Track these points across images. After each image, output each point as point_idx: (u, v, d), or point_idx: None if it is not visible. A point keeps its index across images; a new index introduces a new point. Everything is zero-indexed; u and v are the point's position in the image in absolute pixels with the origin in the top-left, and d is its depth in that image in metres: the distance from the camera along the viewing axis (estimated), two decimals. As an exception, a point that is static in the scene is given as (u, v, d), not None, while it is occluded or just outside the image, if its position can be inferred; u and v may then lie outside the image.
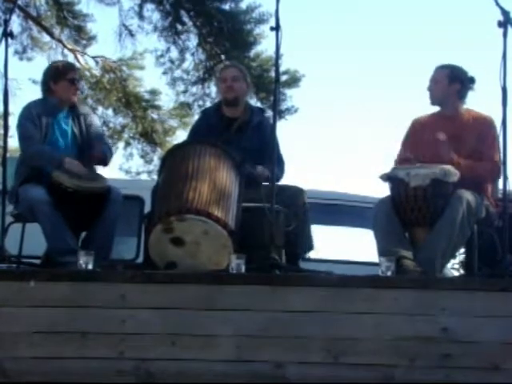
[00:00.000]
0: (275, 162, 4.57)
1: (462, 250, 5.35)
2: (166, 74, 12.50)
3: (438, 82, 5.01)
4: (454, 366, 3.86)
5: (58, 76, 5.20)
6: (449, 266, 5.84)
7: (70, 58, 12.48)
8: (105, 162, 5.30)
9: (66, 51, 12.55)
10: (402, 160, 4.97)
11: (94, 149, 5.18)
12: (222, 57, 11.93)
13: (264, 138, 5.08)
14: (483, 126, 4.93)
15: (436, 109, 5.12)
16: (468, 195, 4.59)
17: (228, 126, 5.26)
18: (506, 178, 4.46)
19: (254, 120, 5.30)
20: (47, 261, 4.91)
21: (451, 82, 4.98)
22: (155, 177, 7.08)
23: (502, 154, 4.53)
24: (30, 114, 5.10)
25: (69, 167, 4.94)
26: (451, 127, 4.91)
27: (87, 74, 12.26)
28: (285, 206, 4.74)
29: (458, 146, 4.83)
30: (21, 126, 5.05)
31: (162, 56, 12.40)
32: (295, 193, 5.03)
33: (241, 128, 5.26)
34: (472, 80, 5.05)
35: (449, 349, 3.87)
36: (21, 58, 12.60)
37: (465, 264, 6.13)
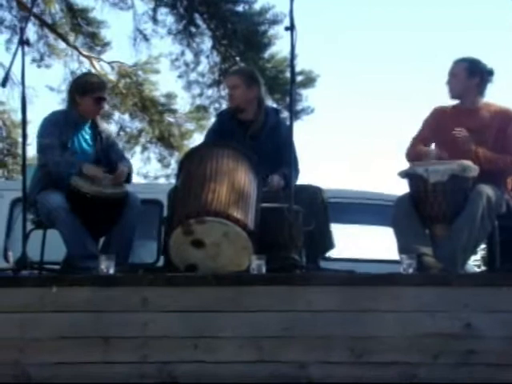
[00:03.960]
0: (292, 163, 4.57)
1: (483, 246, 5.32)
2: (181, 78, 12.53)
3: (457, 75, 4.97)
4: (477, 362, 3.83)
5: (85, 91, 5.16)
6: (470, 261, 5.80)
7: (86, 65, 12.60)
8: (128, 180, 5.26)
9: (81, 58, 12.62)
10: (420, 147, 4.95)
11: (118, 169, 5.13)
12: (237, 59, 11.94)
13: (279, 139, 5.07)
14: (503, 119, 4.91)
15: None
16: (488, 190, 4.56)
17: (243, 129, 5.25)
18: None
19: (268, 122, 5.28)
20: (67, 266, 4.92)
21: (470, 76, 4.95)
22: (173, 181, 7.08)
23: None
24: (50, 124, 5.10)
25: (87, 172, 4.95)
26: (471, 121, 4.88)
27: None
28: (304, 205, 4.72)
29: (478, 140, 4.80)
30: (41, 136, 5.04)
31: (176, 59, 12.43)
32: (314, 192, 5.02)
33: (256, 131, 5.26)
34: (491, 72, 5.01)
35: (472, 345, 3.84)
36: (38, 66, 12.67)
37: (486, 259, 6.11)
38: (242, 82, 5.26)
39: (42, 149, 5.02)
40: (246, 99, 5.25)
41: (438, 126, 5.01)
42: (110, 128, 5.62)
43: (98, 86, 5.26)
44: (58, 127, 5.08)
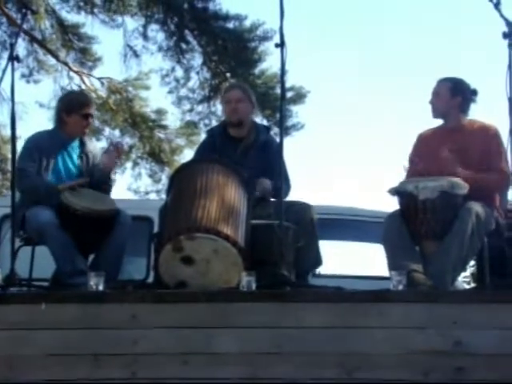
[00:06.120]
0: (283, 179, 4.57)
1: (473, 263, 5.33)
2: (171, 94, 12.57)
3: (440, 95, 5.00)
4: (467, 379, 3.83)
5: (72, 109, 5.17)
6: (460, 278, 5.81)
7: (76, 80, 12.60)
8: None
9: (71, 73, 12.62)
10: (411, 173, 4.97)
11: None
12: (227, 75, 11.97)
13: (270, 156, 5.08)
14: (487, 135, 4.91)
15: (440, 121, 5.12)
16: (477, 207, 4.57)
17: (234, 146, 5.27)
18: (515, 189, 4.45)
19: (259, 139, 5.31)
20: (56, 282, 4.90)
21: (453, 95, 4.97)
22: (164, 196, 7.07)
23: (510, 165, 4.52)
24: (30, 146, 5.09)
25: (64, 188, 4.94)
26: (455, 140, 4.90)
27: (93, 95, 12.28)
28: (293, 221, 4.73)
29: (464, 158, 4.82)
30: (19, 159, 4.95)
31: (167, 75, 12.47)
32: (303, 208, 5.02)
33: (247, 147, 5.27)
34: (474, 92, 5.04)
35: (462, 362, 3.84)
36: (27, 81, 12.67)
37: (476, 276, 6.12)
38: (246, 97, 5.35)
39: (18, 173, 4.88)
40: (247, 113, 5.33)
41: (422, 151, 5.02)
42: (98, 146, 5.58)
43: (85, 103, 5.27)
44: (38, 149, 5.06)
